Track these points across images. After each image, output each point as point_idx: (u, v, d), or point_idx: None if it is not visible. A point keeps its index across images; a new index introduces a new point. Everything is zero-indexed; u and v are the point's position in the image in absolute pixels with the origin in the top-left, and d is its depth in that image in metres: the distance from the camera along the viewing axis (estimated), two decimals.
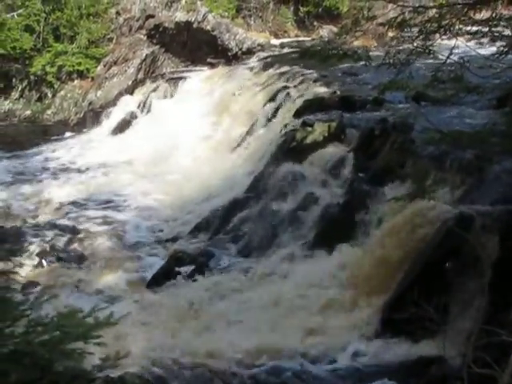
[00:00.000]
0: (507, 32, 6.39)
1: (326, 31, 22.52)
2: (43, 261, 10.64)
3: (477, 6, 6.51)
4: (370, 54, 7.02)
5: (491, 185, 7.92)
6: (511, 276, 6.37)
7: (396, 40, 7.26)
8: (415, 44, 6.18)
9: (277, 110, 14.54)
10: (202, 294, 9.16)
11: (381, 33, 17.82)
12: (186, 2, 21.39)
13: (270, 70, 17.56)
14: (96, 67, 20.93)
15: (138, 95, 19.98)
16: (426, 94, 10.96)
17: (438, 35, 6.33)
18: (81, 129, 20.00)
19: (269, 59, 19.47)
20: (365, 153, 10.64)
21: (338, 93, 13.71)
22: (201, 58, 21.27)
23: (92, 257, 10.92)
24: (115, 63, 20.92)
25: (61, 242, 11.49)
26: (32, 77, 21.18)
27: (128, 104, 19.66)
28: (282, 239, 10.24)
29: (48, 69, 20.68)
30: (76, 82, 21.20)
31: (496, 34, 6.31)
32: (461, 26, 6.36)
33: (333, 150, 11.16)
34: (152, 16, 21.29)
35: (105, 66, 20.90)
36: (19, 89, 21.51)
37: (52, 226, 12.29)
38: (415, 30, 6.27)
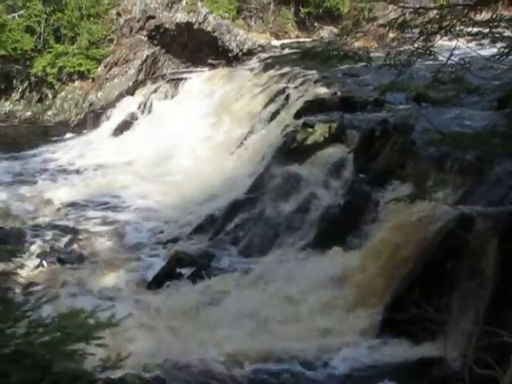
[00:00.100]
0: (508, 33, 6.38)
1: (326, 32, 22.54)
2: (43, 261, 10.64)
3: (477, 7, 6.51)
4: (371, 55, 7.01)
5: (492, 186, 7.92)
6: None
7: (397, 41, 7.26)
8: (416, 45, 6.17)
9: (277, 111, 14.55)
10: (202, 294, 9.16)
11: (381, 34, 17.82)
12: (186, 3, 21.41)
13: (271, 71, 17.58)
14: (97, 68, 20.95)
15: (139, 96, 19.99)
16: (426, 95, 10.97)
17: (438, 36, 6.33)
18: (81, 130, 20.01)
19: (269, 60, 19.50)
20: (365, 154, 10.64)
21: (339, 94, 13.71)
22: (201, 58, 21.29)
23: (92, 258, 10.92)
24: (116, 64, 20.94)
25: (61, 242, 11.49)
26: (33, 78, 21.20)
27: (129, 105, 19.68)
28: (282, 240, 10.24)
29: (49, 70, 20.70)
30: (77, 82, 21.22)
31: (497, 35, 6.30)
32: (461, 27, 6.35)
33: (333, 151, 11.16)
34: (153, 17, 21.31)
35: (105, 66, 20.91)
36: (20, 90, 21.54)
37: (52, 226, 12.31)
38: (416, 31, 6.27)
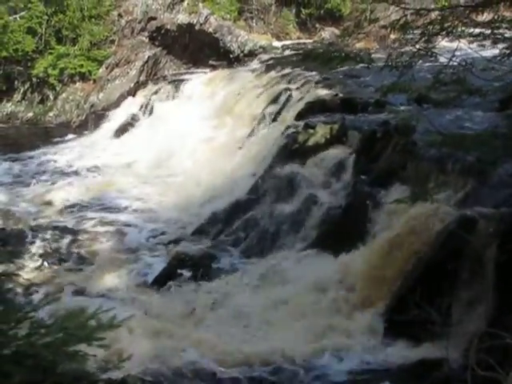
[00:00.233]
0: (509, 34, 6.38)
1: (327, 33, 22.53)
2: (45, 262, 10.65)
3: (479, 8, 6.51)
4: (372, 56, 7.01)
5: (493, 187, 7.92)
6: None
7: (398, 42, 7.26)
8: (417, 46, 6.17)
9: (279, 112, 14.55)
10: (204, 295, 9.16)
11: (383, 35, 17.84)
12: (188, 4, 21.42)
13: (272, 72, 17.58)
14: (98, 69, 20.95)
15: (140, 97, 19.99)
16: (428, 96, 10.93)
17: (440, 37, 6.33)
18: (83, 131, 20.01)
19: (271, 61, 19.50)
20: (367, 155, 10.64)
21: (340, 95, 13.71)
22: (203, 60, 21.29)
23: (94, 259, 10.92)
24: (117, 65, 20.94)
25: (62, 243, 11.50)
26: (34, 79, 21.21)
27: (130, 106, 19.69)
28: (284, 241, 10.24)
29: (50, 71, 20.71)
30: (78, 84, 21.22)
31: (498, 36, 6.30)
32: (463, 29, 6.35)
33: (335, 152, 11.16)
34: (154, 18, 21.32)
35: (107, 68, 20.92)
36: (21, 91, 21.55)
37: (53, 227, 12.31)
38: (417, 32, 6.27)
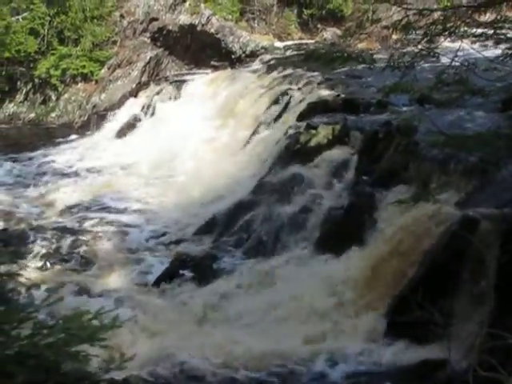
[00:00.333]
0: None
1: (329, 34, 22.53)
2: (47, 263, 10.67)
3: (481, 8, 6.50)
4: (374, 56, 7.01)
5: (496, 188, 7.91)
6: None
7: (400, 43, 7.26)
8: (420, 47, 6.16)
9: (281, 112, 14.55)
10: (205, 296, 9.16)
11: (385, 35, 17.83)
12: (189, 4, 21.42)
13: (274, 73, 17.58)
14: (100, 70, 20.96)
15: (142, 98, 20.01)
16: (430, 96, 10.91)
17: (442, 38, 6.32)
18: (85, 132, 20.03)
19: (272, 62, 19.49)
20: (369, 155, 10.64)
21: (342, 95, 13.70)
22: (204, 60, 21.30)
23: (96, 259, 10.93)
24: (119, 66, 20.96)
25: (65, 244, 11.51)
26: (36, 80, 21.24)
27: (132, 107, 19.71)
28: (286, 242, 10.24)
29: (52, 72, 20.73)
30: (80, 84, 21.24)
31: (501, 37, 6.29)
32: (465, 29, 6.34)
33: (337, 153, 11.16)
34: (156, 19, 21.33)
35: (109, 68, 20.93)
36: (23, 92, 21.58)
37: (56, 228, 12.32)
38: (419, 32, 6.26)
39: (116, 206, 13.77)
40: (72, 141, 19.36)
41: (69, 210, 13.48)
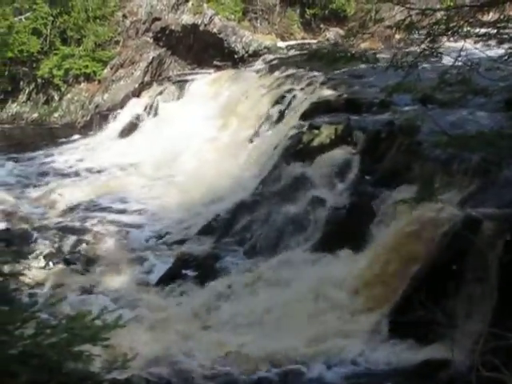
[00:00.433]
0: None
1: (332, 33, 22.52)
2: (50, 263, 10.68)
3: (484, 7, 6.49)
4: (377, 56, 7.00)
5: (499, 188, 7.89)
6: None
7: (403, 42, 7.25)
8: (423, 46, 6.15)
9: (283, 112, 14.55)
10: (208, 296, 9.16)
11: (387, 35, 17.81)
12: (192, 4, 21.44)
13: (277, 73, 17.58)
14: (103, 70, 20.99)
15: (145, 98, 20.04)
16: (433, 96, 10.89)
17: (445, 37, 6.30)
18: (87, 131, 20.07)
19: (275, 62, 19.50)
20: (371, 155, 10.63)
21: (345, 95, 13.69)
22: (207, 60, 21.32)
23: (99, 259, 10.94)
24: (122, 66, 20.98)
25: (67, 244, 11.52)
26: (39, 80, 21.28)
27: (134, 107, 19.73)
28: (288, 242, 10.23)
29: (55, 72, 20.76)
30: (83, 84, 21.27)
31: (504, 36, 6.28)
32: (468, 28, 6.33)
33: (339, 153, 11.15)
34: (158, 19, 21.35)
35: (111, 68, 20.96)
36: (26, 92, 21.62)
37: (58, 228, 12.34)
38: (423, 32, 6.25)
39: (118, 206, 13.79)
40: (75, 141, 19.40)
41: (71, 209, 13.50)
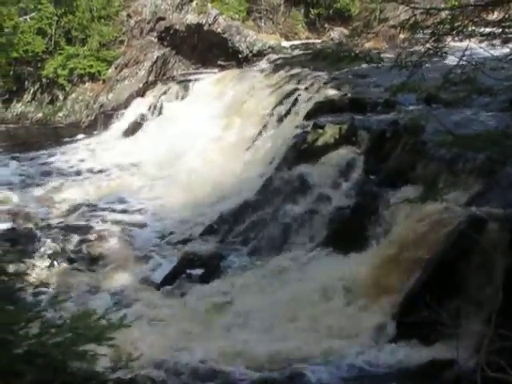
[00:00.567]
0: None
1: (336, 33, 22.49)
2: (55, 262, 10.70)
3: (489, 7, 6.47)
4: (382, 56, 6.98)
5: (504, 187, 7.87)
6: None
7: (408, 42, 7.23)
8: (427, 46, 6.14)
9: (288, 112, 14.53)
10: (213, 295, 9.17)
11: (392, 35, 17.78)
12: (196, 4, 21.44)
13: (281, 72, 17.56)
14: (107, 70, 21.02)
15: (149, 97, 20.05)
16: (437, 96, 10.89)
17: (450, 37, 6.29)
18: (92, 131, 20.10)
19: (279, 61, 19.49)
20: (376, 155, 10.61)
21: (349, 95, 13.67)
22: (211, 60, 21.32)
23: (103, 258, 10.96)
24: (126, 66, 21.01)
25: (72, 243, 11.55)
26: (44, 79, 21.33)
27: (139, 106, 19.75)
28: (292, 241, 10.23)
29: (60, 71, 20.80)
30: (87, 84, 21.31)
31: (509, 36, 6.27)
32: (473, 28, 6.31)
33: (344, 152, 11.13)
34: (163, 18, 21.36)
35: (116, 68, 20.98)
36: (31, 91, 21.67)
37: (63, 227, 12.37)
38: (427, 31, 6.24)
39: (122, 206, 13.81)
40: (79, 140, 19.43)
41: (75, 209, 13.53)
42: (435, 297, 5.58)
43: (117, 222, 12.76)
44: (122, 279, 10.12)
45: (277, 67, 18.47)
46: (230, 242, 11.06)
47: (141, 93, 20.50)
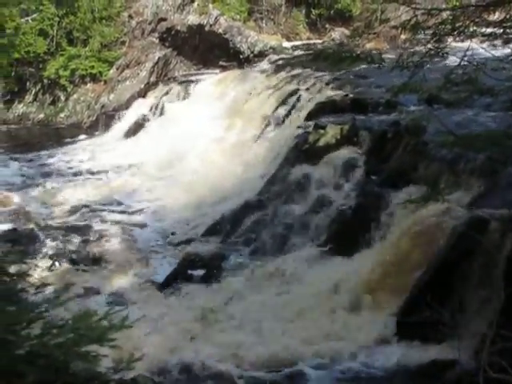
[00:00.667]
0: None
1: (337, 34, 22.50)
2: (56, 263, 10.70)
3: (490, 7, 6.46)
4: (383, 56, 6.98)
5: (505, 188, 7.86)
6: None
7: (409, 42, 7.23)
8: (428, 46, 6.14)
9: (289, 112, 14.54)
10: (214, 296, 9.17)
11: (393, 35, 17.78)
12: (198, 5, 21.46)
13: (282, 73, 17.58)
14: (109, 70, 21.05)
15: (151, 98, 20.08)
16: (439, 96, 10.88)
17: (451, 37, 6.29)
18: (93, 132, 20.13)
19: (281, 62, 19.51)
20: (377, 155, 10.61)
21: (351, 95, 13.67)
22: (213, 60, 21.34)
23: (105, 259, 10.96)
24: (128, 66, 21.03)
25: (73, 244, 11.55)
26: (45, 80, 21.36)
27: (140, 107, 19.78)
28: (294, 242, 10.24)
29: (61, 72, 20.84)
30: (89, 85, 21.34)
31: (510, 36, 6.26)
32: (474, 28, 6.31)
33: (345, 153, 11.14)
34: (164, 19, 21.38)
35: (117, 69, 21.01)
36: (33, 92, 21.71)
37: (64, 228, 12.38)
38: (428, 32, 6.24)
39: (124, 206, 13.82)
40: (81, 141, 19.47)
41: (77, 209, 13.53)
42: (437, 297, 5.58)
43: (118, 223, 12.77)
44: (123, 280, 10.13)
45: (278, 68, 18.49)
46: (232, 242, 11.06)
47: (142, 93, 20.53)
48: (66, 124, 21.06)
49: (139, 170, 16.20)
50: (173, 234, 12.16)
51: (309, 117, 13.10)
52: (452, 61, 6.56)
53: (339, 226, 9.93)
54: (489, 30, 6.39)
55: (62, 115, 21.30)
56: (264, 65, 19.91)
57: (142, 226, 12.69)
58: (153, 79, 20.92)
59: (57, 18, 20.89)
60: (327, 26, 23.49)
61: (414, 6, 6.58)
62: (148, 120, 19.05)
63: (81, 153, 18.21)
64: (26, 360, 2.78)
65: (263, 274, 9.62)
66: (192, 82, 19.87)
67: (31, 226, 12.39)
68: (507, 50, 6.82)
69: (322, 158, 11.26)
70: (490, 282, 6.65)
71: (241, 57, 20.95)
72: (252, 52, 20.92)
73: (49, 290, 9.39)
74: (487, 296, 6.70)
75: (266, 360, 7.35)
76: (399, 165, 9.97)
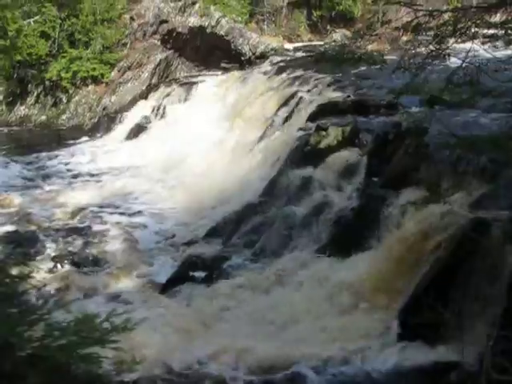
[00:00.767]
0: None
1: (339, 35, 22.53)
2: (58, 265, 10.71)
3: (492, 9, 6.47)
4: (384, 58, 7.00)
5: (507, 190, 7.85)
6: None
7: (410, 44, 7.22)
8: (430, 48, 6.14)
9: (290, 114, 14.54)
10: (216, 298, 9.16)
11: (395, 37, 17.77)
12: (199, 7, 21.49)
13: (284, 75, 17.59)
14: (110, 72, 21.09)
15: (152, 100, 20.10)
16: (440, 97, 10.89)
17: (453, 39, 6.29)
18: (95, 134, 20.15)
19: (282, 63, 19.52)
20: (379, 157, 10.59)
21: (352, 97, 13.68)
22: (214, 62, 21.36)
23: (106, 261, 10.97)
24: (129, 68, 21.07)
25: (75, 246, 11.57)
26: (47, 82, 21.41)
27: (142, 109, 19.80)
28: (296, 244, 10.22)
29: (63, 74, 20.89)
30: (90, 87, 21.38)
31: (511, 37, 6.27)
32: (476, 30, 6.31)
33: (347, 155, 11.13)
34: (166, 21, 21.42)
35: (119, 71, 21.05)
36: (35, 94, 21.75)
37: (66, 230, 12.39)
38: (430, 33, 6.24)
39: (126, 208, 13.83)
40: (82, 143, 19.49)
41: (79, 211, 13.54)
42: (439, 298, 5.58)
43: (120, 225, 12.78)
44: (125, 282, 10.13)
45: (280, 69, 18.49)
46: (234, 244, 11.05)
47: (144, 95, 20.57)
48: (67, 126, 21.09)
49: (141, 172, 16.22)
50: (174, 235, 12.17)
51: (310, 118, 13.09)
52: (454, 62, 6.55)
53: (341, 227, 9.92)
54: (490, 32, 6.39)
55: (63, 117, 21.33)
56: (265, 66, 19.93)
57: (144, 227, 12.70)
58: (154, 81, 20.95)
59: (59, 21, 20.94)
60: (328, 27, 23.53)
61: (415, 7, 6.58)
62: (149, 122, 19.07)
63: (82, 155, 18.23)
64: (28, 362, 2.78)
65: (265, 276, 9.61)
66: (193, 83, 19.89)
67: (33, 227, 12.41)
68: (509, 52, 6.82)
69: (323, 160, 11.26)
70: (493, 283, 6.64)
71: (242, 58, 20.97)
72: (253, 54, 20.95)
73: (50, 291, 9.46)
74: (490, 297, 6.68)
75: (267, 361, 7.33)
76: (401, 166, 9.96)
